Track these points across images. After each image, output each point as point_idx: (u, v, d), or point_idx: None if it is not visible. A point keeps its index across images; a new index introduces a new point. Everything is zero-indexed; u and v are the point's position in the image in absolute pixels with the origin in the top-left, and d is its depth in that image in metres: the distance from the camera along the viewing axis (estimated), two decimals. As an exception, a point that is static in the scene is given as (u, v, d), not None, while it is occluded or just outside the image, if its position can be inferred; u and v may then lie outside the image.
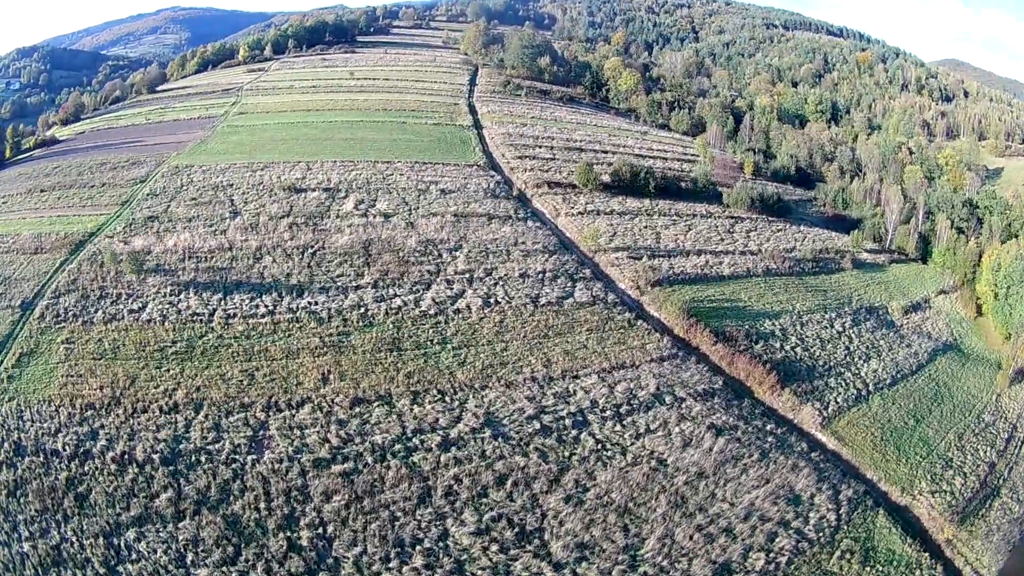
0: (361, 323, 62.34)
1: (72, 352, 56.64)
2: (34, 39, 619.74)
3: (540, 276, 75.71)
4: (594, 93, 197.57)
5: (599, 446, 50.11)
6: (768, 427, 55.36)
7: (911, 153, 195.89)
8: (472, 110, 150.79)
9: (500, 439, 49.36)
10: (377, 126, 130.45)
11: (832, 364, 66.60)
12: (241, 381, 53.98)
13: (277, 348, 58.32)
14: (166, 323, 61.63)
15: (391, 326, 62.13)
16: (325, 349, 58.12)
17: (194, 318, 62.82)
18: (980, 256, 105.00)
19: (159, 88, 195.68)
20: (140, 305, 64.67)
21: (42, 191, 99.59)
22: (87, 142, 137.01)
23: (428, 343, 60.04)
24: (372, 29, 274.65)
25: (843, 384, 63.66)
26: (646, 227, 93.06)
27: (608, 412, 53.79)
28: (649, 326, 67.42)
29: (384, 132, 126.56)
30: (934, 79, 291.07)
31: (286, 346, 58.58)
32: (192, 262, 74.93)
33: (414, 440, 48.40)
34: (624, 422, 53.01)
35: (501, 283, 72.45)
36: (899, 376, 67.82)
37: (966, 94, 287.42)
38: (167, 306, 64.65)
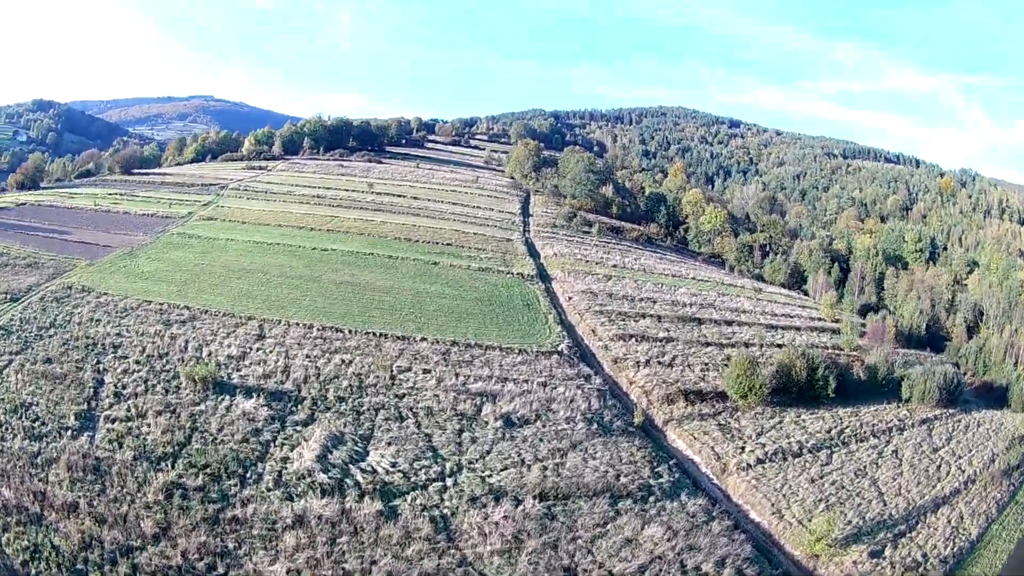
0: None
1: None
2: (63, 97, 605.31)
3: None
4: (671, 232, 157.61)
5: None
6: None
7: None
8: (532, 250, 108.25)
9: None
10: (394, 266, 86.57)
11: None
12: None
13: None
14: None
15: None
16: None
17: None
18: None
19: (136, 171, 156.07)
20: None
21: None
22: (14, 218, 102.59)
23: None
24: (404, 140, 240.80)
25: None
26: (856, 473, 54.52)
27: None
28: None
29: (404, 278, 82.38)
30: (1015, 200, 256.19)
31: None
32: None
33: None
34: None
35: None
36: None
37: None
38: None
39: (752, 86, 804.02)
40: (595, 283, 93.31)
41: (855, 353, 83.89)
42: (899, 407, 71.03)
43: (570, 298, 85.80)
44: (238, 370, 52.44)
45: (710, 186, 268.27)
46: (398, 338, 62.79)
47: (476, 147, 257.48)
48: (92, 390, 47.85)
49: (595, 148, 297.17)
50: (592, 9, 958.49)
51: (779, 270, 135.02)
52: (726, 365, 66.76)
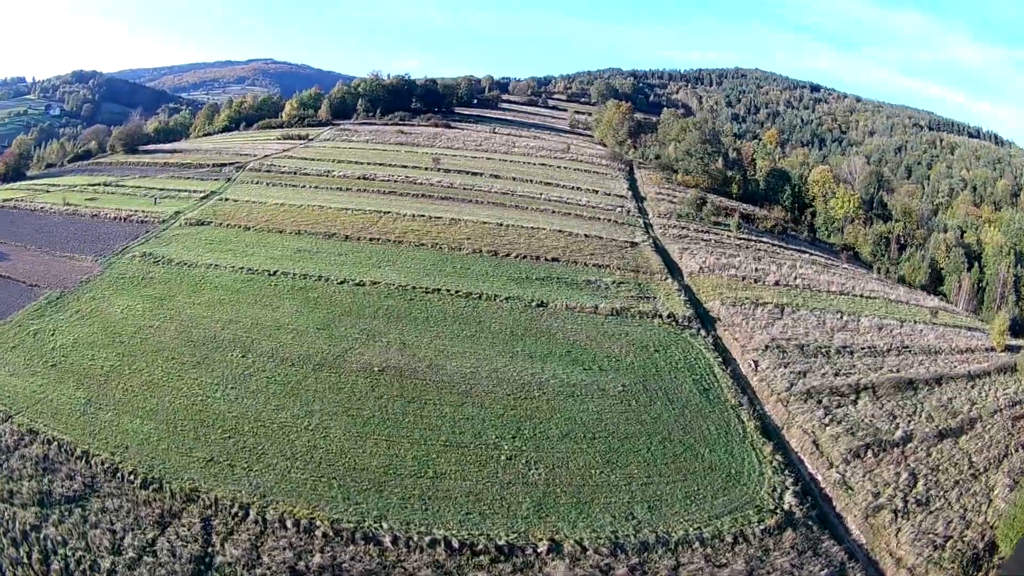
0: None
1: None
2: (111, 67, 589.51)
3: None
4: (797, 218, 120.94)
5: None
6: None
7: None
8: (667, 261, 72.69)
9: None
10: (475, 316, 51.62)
11: None
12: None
13: None
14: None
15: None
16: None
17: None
18: None
19: (143, 147, 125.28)
20: None
21: None
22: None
23: None
24: (476, 101, 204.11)
25: None
26: None
27: None
28: None
29: (494, 345, 47.44)
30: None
31: None
32: None
33: None
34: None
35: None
36: None
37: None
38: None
39: (818, 51, 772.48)
40: (771, 322, 58.06)
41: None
42: None
43: (755, 364, 49.90)
44: None
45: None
46: (500, 553, 27.79)
47: (556, 108, 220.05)
48: None
49: (681, 111, 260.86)
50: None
51: (919, 270, 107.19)
52: (974, 476, 42.38)
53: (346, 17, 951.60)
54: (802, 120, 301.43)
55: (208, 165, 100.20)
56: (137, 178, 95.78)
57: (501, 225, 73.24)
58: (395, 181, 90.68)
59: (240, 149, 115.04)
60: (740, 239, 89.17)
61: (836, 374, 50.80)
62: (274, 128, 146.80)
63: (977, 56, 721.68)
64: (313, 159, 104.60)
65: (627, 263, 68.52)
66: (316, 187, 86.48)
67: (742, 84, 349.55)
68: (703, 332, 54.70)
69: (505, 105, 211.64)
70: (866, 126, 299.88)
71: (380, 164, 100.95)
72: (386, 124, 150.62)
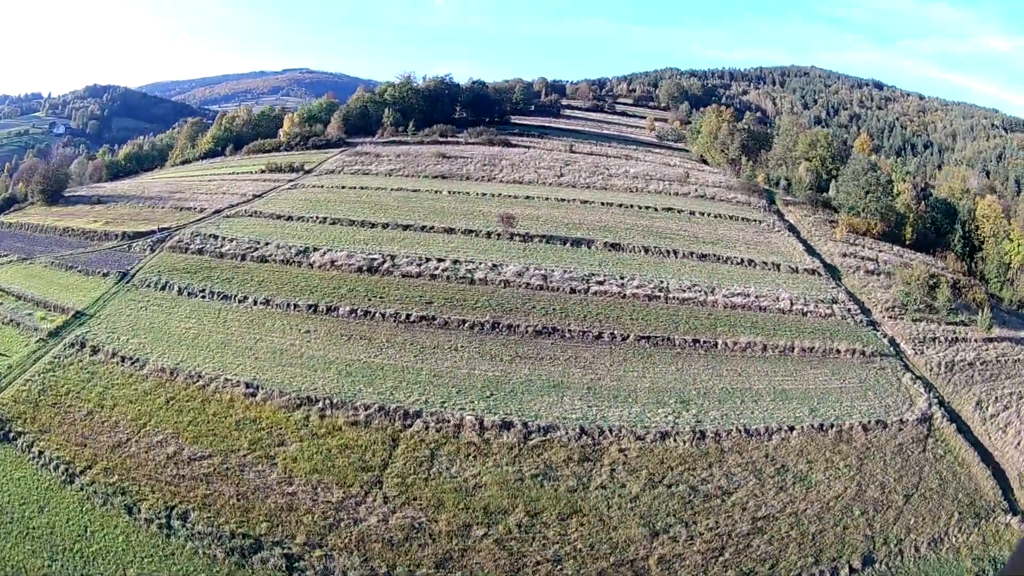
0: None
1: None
2: (142, 81, 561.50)
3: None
4: (971, 268, 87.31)
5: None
6: None
7: None
8: (988, 461, 28.06)
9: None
10: None
11: None
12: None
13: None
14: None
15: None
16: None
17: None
18: None
19: (69, 192, 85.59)
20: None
21: None
22: None
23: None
24: (533, 108, 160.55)
25: None
26: None
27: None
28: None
29: None
30: None
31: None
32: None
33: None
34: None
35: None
36: None
37: None
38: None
39: (855, 44, 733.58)
40: None
41: None
42: None
43: None
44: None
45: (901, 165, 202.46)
46: None
47: (625, 114, 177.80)
48: None
49: (757, 113, 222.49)
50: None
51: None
52: None
53: (386, 26, 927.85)
54: (887, 124, 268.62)
55: (118, 235, 58.59)
56: (15, 262, 55.08)
57: (703, 437, 30.07)
58: (434, 276, 47.23)
59: (192, 195, 73.96)
60: (990, 341, 51.48)
61: None
62: (267, 152, 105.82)
63: (1007, 45, 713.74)
64: (292, 217, 62.21)
65: (955, 504, 29.00)
66: (268, 301, 43.42)
67: (807, 83, 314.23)
68: None
69: (568, 112, 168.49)
70: (944, 127, 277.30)
71: (406, 227, 57.95)
72: (421, 143, 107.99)
